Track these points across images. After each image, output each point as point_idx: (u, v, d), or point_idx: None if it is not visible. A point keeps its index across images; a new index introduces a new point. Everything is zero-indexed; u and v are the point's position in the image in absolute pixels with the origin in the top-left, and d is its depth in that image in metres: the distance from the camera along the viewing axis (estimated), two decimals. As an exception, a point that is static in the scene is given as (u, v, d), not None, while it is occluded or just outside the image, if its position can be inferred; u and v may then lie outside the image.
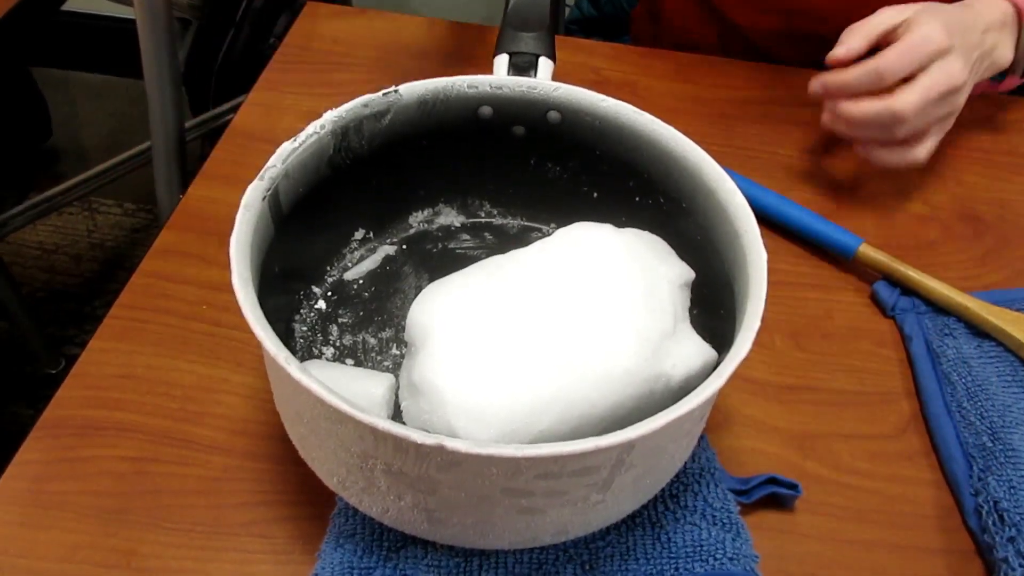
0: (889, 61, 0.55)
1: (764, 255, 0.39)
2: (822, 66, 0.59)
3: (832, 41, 0.59)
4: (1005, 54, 0.60)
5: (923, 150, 0.57)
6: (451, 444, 0.32)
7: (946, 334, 0.53)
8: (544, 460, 0.33)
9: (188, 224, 0.57)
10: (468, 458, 0.32)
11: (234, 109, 0.64)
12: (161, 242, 0.55)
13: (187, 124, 1.34)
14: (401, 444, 0.33)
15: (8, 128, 1.70)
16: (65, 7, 1.52)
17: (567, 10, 1.11)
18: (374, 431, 0.33)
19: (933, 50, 0.55)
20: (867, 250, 0.56)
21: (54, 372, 1.45)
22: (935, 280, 0.54)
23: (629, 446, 0.34)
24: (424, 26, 0.74)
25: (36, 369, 1.45)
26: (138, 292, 0.52)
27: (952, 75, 0.55)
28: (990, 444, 0.47)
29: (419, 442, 0.32)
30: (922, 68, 0.55)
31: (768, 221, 0.60)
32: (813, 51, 0.65)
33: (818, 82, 0.58)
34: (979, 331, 0.53)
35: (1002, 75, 0.63)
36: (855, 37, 0.57)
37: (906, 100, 0.54)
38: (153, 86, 0.76)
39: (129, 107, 1.91)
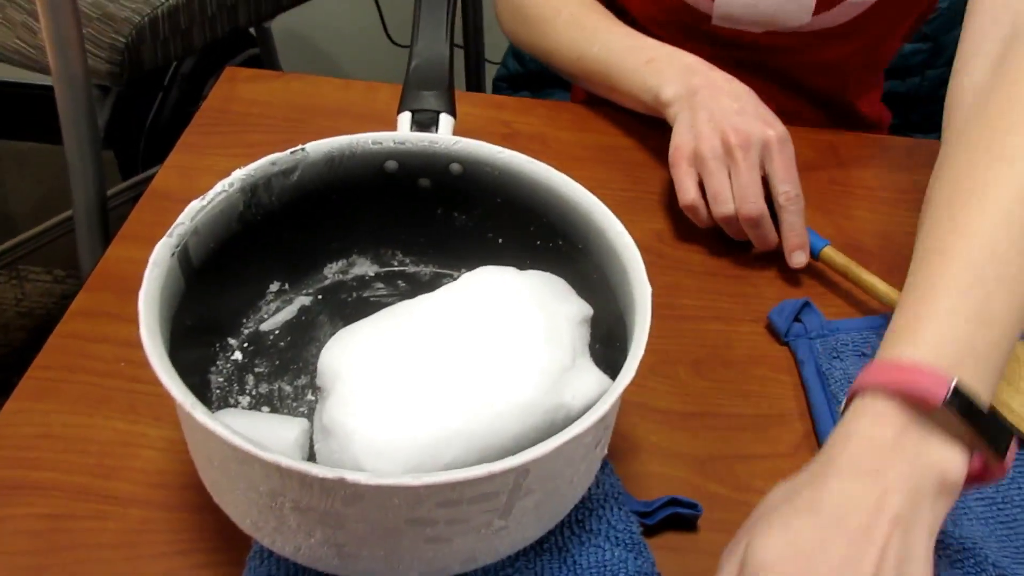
0: None
1: (648, 289, 0.43)
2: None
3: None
4: (951, 468, 0.39)
5: None
6: (352, 477, 0.33)
7: (834, 357, 0.56)
8: (442, 487, 0.35)
9: (106, 284, 0.58)
10: (369, 490, 0.34)
11: (160, 172, 0.65)
12: (78, 304, 0.56)
13: (116, 188, 1.35)
14: (305, 480, 0.34)
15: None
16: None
17: (495, 68, 1.16)
18: (279, 469, 0.34)
19: None
20: (831, 252, 0.63)
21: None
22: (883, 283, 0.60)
23: (524, 471, 0.36)
24: (339, 87, 0.77)
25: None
26: (56, 352, 0.53)
27: None
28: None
29: (321, 476, 0.34)
30: None
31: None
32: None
33: None
34: (864, 352, 0.57)
35: None
36: None
37: None
38: (73, 152, 0.77)
39: (56, 174, 1.89)
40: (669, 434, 0.53)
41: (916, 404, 0.39)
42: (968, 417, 0.38)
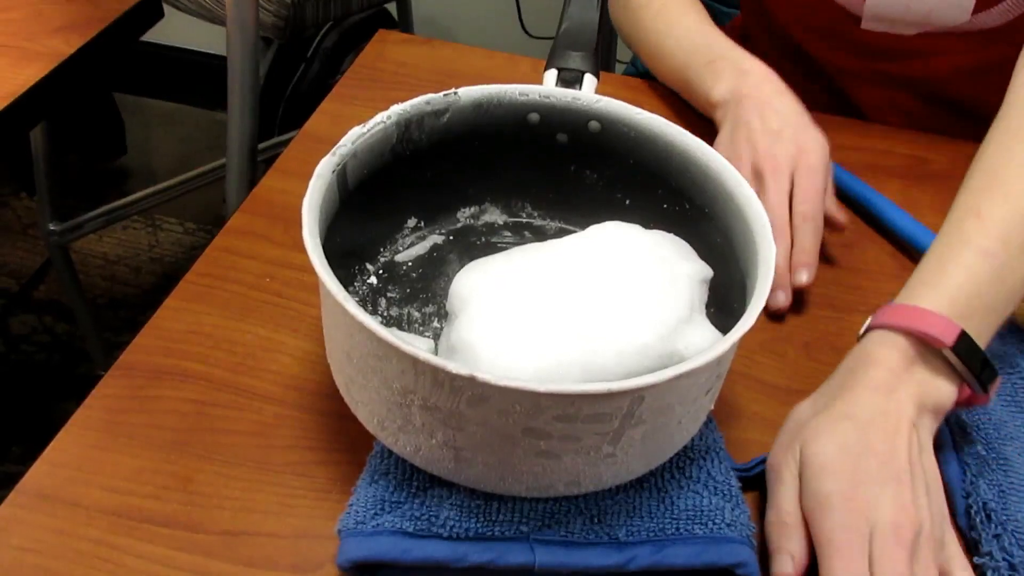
0: None
1: (774, 248, 0.44)
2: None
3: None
4: (945, 396, 0.48)
5: None
6: (481, 376, 0.36)
7: (950, 354, 0.56)
8: (561, 398, 0.37)
9: (258, 209, 0.63)
10: (495, 391, 0.37)
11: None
12: (233, 222, 0.61)
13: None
14: (438, 376, 0.37)
15: (88, 144, 1.82)
16: (145, 38, 1.64)
17: (623, 67, 1.18)
18: (415, 363, 0.37)
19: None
20: None
21: (104, 374, 1.53)
22: None
23: (639, 396, 0.38)
24: (483, 56, 0.81)
25: (89, 370, 1.53)
26: (210, 263, 0.58)
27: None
28: (983, 453, 0.50)
29: (454, 372, 0.36)
30: None
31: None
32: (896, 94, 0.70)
33: None
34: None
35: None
36: None
37: None
38: (235, 95, 0.84)
39: (197, 133, 2.03)
40: (773, 407, 0.54)
41: (927, 343, 0.48)
42: (966, 360, 0.47)
